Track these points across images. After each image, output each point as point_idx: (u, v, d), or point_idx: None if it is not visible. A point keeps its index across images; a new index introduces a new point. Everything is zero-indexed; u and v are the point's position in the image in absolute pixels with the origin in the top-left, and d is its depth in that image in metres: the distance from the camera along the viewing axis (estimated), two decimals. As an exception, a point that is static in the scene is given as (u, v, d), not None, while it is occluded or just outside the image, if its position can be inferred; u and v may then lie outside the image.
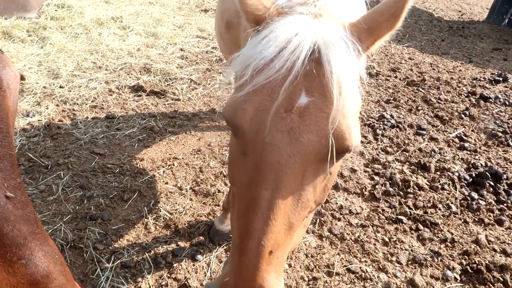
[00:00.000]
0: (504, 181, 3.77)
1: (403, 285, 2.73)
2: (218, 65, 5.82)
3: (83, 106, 4.34)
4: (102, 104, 4.43)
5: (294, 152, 1.08)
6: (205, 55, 6.12)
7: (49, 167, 3.39)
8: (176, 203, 3.24)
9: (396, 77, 6.09)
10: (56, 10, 6.58)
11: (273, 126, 1.07)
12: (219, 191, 3.42)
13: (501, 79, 6.21)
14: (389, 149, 4.17)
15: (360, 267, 2.84)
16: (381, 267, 2.86)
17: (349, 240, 3.06)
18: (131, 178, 3.43)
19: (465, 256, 3.00)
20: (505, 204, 3.52)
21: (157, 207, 3.17)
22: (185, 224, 3.05)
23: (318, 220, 3.23)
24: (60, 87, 4.58)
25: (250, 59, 1.15)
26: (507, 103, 5.44)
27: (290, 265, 2.84)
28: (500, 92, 5.82)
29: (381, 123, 4.63)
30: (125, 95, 4.69)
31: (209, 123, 4.44)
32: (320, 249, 2.99)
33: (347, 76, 1.11)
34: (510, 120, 4.98)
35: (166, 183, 3.45)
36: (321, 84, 1.09)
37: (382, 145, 4.25)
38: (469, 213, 3.41)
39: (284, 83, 1.08)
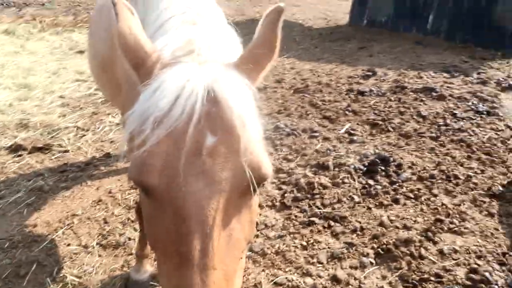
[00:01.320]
0: (392, 164, 4.18)
1: (328, 283, 2.84)
2: (105, 106, 5.54)
3: (-50, 181, 3.76)
4: (-25, 174, 3.90)
5: (213, 193, 1.05)
6: (88, 98, 5.79)
7: None
8: (83, 264, 2.96)
9: (282, 87, 6.45)
10: None
11: (186, 173, 1.04)
12: (129, 239, 3.21)
13: (371, 73, 6.95)
14: (290, 157, 4.37)
15: (286, 277, 2.88)
16: (304, 271, 2.94)
17: (270, 254, 3.10)
18: (26, 249, 3.05)
19: (375, 240, 3.24)
20: (397, 184, 3.90)
21: (61, 274, 2.85)
22: (97, 284, 2.80)
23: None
24: None
25: (146, 113, 1.10)
26: (380, 93, 6.09)
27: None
28: (372, 85, 6.49)
29: (277, 133, 4.83)
30: (2, 158, 4.20)
31: (105, 169, 4.18)
32: (244, 271, 2.97)
33: (245, 108, 1.14)
34: (386, 108, 5.58)
35: (68, 244, 3.13)
36: (223, 122, 1.10)
37: (282, 154, 4.43)
38: (370, 199, 3.70)
39: (188, 128, 1.06)
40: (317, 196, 3.71)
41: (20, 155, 4.25)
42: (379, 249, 3.14)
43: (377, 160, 4.16)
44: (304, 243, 3.20)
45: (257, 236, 3.26)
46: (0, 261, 2.93)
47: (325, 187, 3.82)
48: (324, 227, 3.37)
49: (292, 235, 3.28)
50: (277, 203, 3.65)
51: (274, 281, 2.86)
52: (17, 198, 3.60)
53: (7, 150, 4.32)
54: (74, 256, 3.03)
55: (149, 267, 2.88)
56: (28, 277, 2.82)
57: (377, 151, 4.44)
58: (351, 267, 2.99)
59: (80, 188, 3.82)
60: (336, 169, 4.10)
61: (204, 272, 1.01)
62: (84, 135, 4.77)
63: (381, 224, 3.38)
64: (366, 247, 3.18)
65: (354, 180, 3.94)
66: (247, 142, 1.11)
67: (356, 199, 3.67)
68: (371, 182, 3.90)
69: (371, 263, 3.03)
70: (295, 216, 3.49)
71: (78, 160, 4.27)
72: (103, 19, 2.71)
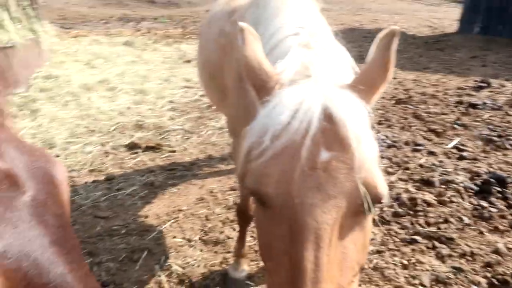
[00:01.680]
0: (510, 185, 3.76)
1: (432, 307, 2.65)
2: (208, 111, 5.90)
3: (81, 172, 4.33)
4: (100, 167, 4.43)
5: (328, 208, 1.07)
6: (194, 103, 6.22)
7: (53, 239, 3.32)
8: (187, 256, 3.17)
9: (383, 97, 6.21)
10: (44, 82, 6.72)
11: (302, 185, 1.07)
12: (228, 237, 3.36)
13: (485, 84, 6.36)
14: (390, 170, 4.18)
15: (384, 295, 2.75)
16: (405, 291, 2.77)
17: (367, 268, 2.99)
18: (139, 237, 3.37)
19: (488, 268, 2.93)
20: (515, 208, 3.49)
21: (168, 263, 3.10)
22: (199, 276, 2.97)
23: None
24: (57, 156, 4.59)
25: (266, 127, 1.18)
26: (495, 107, 5.53)
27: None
28: (486, 97, 5.93)
29: (378, 145, 4.66)
30: (121, 154, 4.71)
31: (208, 170, 4.44)
32: (340, 282, 2.91)
33: (360, 126, 1.16)
34: (503, 123, 5.04)
35: (174, 237, 3.39)
36: (337, 139, 1.13)
37: (382, 166, 4.26)
38: (483, 222, 3.37)
39: (304, 142, 1.10)
40: (421, 213, 3.48)
41: (136, 153, 4.73)
42: (493, 279, 2.83)
43: (492, 179, 3.77)
44: (405, 262, 3.02)
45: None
46: (117, 245, 3.28)
47: (429, 204, 3.58)
48: (427, 247, 3.15)
49: (391, 252, 3.13)
50: (376, 217, 3.51)
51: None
52: (132, 191, 4.01)
53: (125, 147, 4.84)
54: (179, 248, 3.26)
55: (246, 266, 2.98)
56: (140, 262, 3.10)
57: (491, 170, 4.02)
58: (458, 294, 2.74)
59: (186, 186, 4.11)
60: (443, 186, 3.82)
61: (316, 285, 1.01)
62: (189, 137, 5.14)
63: (496, 251, 3.05)
64: (477, 274, 2.89)
65: (463, 200, 3.62)
66: (362, 160, 1.11)
67: (466, 220, 3.37)
68: (484, 203, 3.55)
69: (483, 292, 2.75)
70: (396, 232, 3.32)
71: (184, 160, 4.60)
72: (212, 30, 2.90)
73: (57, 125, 5.26)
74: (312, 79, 1.31)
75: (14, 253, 0.80)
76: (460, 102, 5.77)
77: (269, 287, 1.21)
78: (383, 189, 1.15)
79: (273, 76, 1.30)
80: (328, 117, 1.14)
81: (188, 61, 8.44)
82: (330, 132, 1.13)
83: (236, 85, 2.15)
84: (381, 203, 1.17)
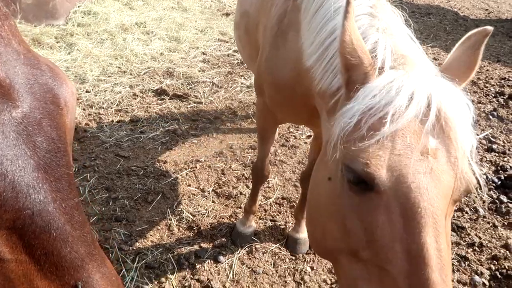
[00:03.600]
0: (535, 183, 3.63)
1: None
2: (240, 68, 5.86)
3: (108, 110, 4.45)
4: (127, 108, 4.53)
5: (440, 194, 1.07)
6: (226, 58, 6.17)
7: (76, 170, 3.49)
8: (198, 205, 3.28)
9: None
10: (82, 17, 6.78)
11: (416, 170, 1.07)
12: (241, 193, 3.44)
13: (531, 78, 5.99)
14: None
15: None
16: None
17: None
18: (155, 180, 3.49)
19: (494, 261, 2.91)
20: (535, 207, 3.40)
21: (180, 209, 3.21)
22: (207, 226, 3.08)
23: (340, 223, 3.19)
24: (87, 91, 4.71)
25: (379, 108, 1.13)
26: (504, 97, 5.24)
27: (312, 268, 2.83)
28: (530, 92, 5.61)
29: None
30: (148, 98, 4.78)
31: (230, 125, 4.47)
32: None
33: (466, 119, 1.17)
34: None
35: (189, 185, 3.49)
36: (444, 128, 1.14)
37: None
38: (498, 216, 3.30)
39: (420, 128, 1.11)
40: (436, 198, 3.44)
41: (162, 99, 4.80)
42: (496, 272, 2.81)
43: (479, 161, 3.65)
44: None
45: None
46: (134, 185, 3.41)
47: (447, 191, 3.52)
48: (436, 232, 3.13)
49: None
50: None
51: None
52: (155, 135, 4.10)
53: (153, 92, 4.91)
54: (192, 196, 3.36)
55: (254, 223, 3.06)
56: (153, 204, 3.24)
57: (519, 166, 3.89)
58: (458, 282, 2.75)
59: (206, 138, 4.18)
60: (464, 175, 3.72)
61: (443, 272, 0.98)
62: (217, 91, 5.15)
63: (506, 246, 3.01)
64: (481, 265, 2.88)
65: (482, 191, 3.53)
66: (466, 152, 1.13)
67: (482, 212, 3.31)
68: (503, 198, 3.46)
69: (484, 284, 2.74)
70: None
71: (209, 113, 4.64)
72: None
73: (91, 62, 5.36)
74: (411, 65, 1.27)
75: None
76: (500, 93, 5.49)
77: (357, 279, 1.16)
78: (474, 182, 1.16)
79: (369, 58, 1.25)
80: (438, 106, 1.14)
81: (227, 14, 8.28)
82: (439, 120, 1.14)
83: (273, 37, 2.11)
84: (470, 192, 1.19)
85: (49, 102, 0.87)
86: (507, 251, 2.97)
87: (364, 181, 1.09)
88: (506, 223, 3.24)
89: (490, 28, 1.28)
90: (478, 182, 1.15)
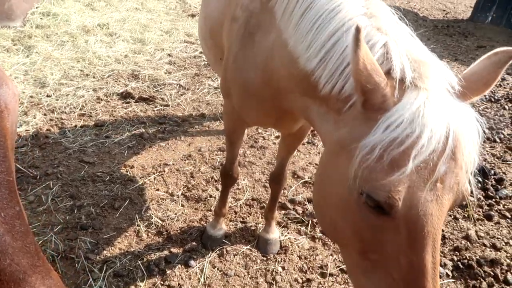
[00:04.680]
0: (492, 177, 3.82)
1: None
2: (207, 69, 5.82)
3: (71, 115, 4.30)
4: (91, 112, 4.40)
5: (442, 216, 1.18)
6: (193, 60, 6.12)
7: (38, 178, 3.35)
8: (167, 210, 3.23)
9: (383, 77, 6.15)
10: (41, 19, 6.52)
11: (425, 199, 1.15)
12: (210, 196, 3.42)
13: (486, 76, 6.31)
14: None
15: (353, 267, 2.85)
16: (373, 266, 2.87)
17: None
18: (122, 186, 3.41)
19: (456, 252, 3.03)
20: (493, 199, 3.57)
21: (148, 214, 3.16)
22: (177, 230, 3.04)
23: (310, 221, 3.24)
24: (47, 96, 4.54)
25: (401, 141, 1.14)
26: (492, 99, 5.52)
27: (283, 268, 2.85)
28: (485, 89, 5.90)
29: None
30: (113, 102, 4.67)
31: (198, 128, 4.44)
32: (313, 251, 3.00)
33: (475, 143, 1.21)
34: (496, 116, 5.06)
35: (157, 189, 3.43)
36: (453, 154, 1.17)
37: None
38: (459, 209, 3.45)
39: (437, 161, 1.14)
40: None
41: (128, 102, 4.70)
42: (459, 263, 2.94)
43: (476, 170, 3.82)
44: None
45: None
46: (100, 192, 3.32)
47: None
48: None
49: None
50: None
51: (341, 267, 2.85)
52: (121, 140, 4.01)
53: (118, 96, 4.80)
54: (161, 201, 3.31)
55: (224, 225, 3.05)
56: (121, 210, 3.16)
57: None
58: (424, 274, 2.85)
59: (174, 141, 4.12)
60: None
61: (435, 281, 1.17)
62: (184, 94, 5.09)
63: (467, 237, 3.15)
64: (445, 257, 2.99)
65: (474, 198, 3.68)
66: (468, 171, 1.20)
67: (443, 206, 3.45)
68: (463, 191, 3.62)
69: (447, 275, 2.86)
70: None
71: (176, 115, 4.58)
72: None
73: (51, 65, 5.17)
74: (429, 77, 1.26)
75: None
76: (458, 90, 5.74)
77: (375, 282, 1.28)
78: (469, 191, 1.26)
79: (385, 79, 1.23)
80: (455, 137, 1.17)
81: (192, 15, 8.21)
82: (451, 149, 1.16)
83: (239, 39, 2.09)
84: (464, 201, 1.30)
85: None
86: (468, 242, 3.11)
87: (382, 207, 1.18)
88: (466, 215, 3.39)
89: None
90: (471, 191, 1.24)
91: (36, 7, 6.80)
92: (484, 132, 1.23)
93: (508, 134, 4.60)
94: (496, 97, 5.58)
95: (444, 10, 11.71)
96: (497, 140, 4.51)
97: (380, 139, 1.17)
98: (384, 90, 1.22)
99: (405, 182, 1.14)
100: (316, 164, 4.09)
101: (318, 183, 1.49)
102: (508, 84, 6.03)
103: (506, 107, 5.31)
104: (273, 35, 1.84)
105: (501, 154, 4.27)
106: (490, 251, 3.06)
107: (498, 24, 10.19)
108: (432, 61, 1.32)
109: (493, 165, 4.04)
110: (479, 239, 3.15)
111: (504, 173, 3.93)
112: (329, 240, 3.08)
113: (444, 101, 1.20)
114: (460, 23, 10.25)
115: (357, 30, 1.16)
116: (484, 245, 3.11)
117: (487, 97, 5.55)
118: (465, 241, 3.13)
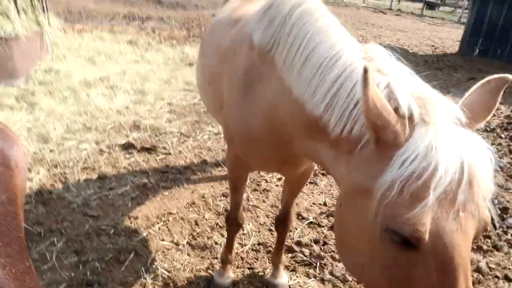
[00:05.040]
0: (496, 206, 3.81)
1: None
2: (206, 116, 5.94)
3: (74, 169, 4.35)
4: (93, 165, 4.45)
5: (468, 245, 1.18)
6: (192, 107, 6.26)
7: (42, 234, 3.34)
8: (173, 260, 3.19)
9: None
10: (44, 75, 6.74)
11: (450, 229, 1.16)
12: (216, 243, 3.39)
13: (480, 106, 6.43)
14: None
15: (366, 310, 2.78)
16: (386, 307, 2.80)
17: (351, 281, 3.03)
18: (126, 238, 3.39)
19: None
20: (501, 230, 3.55)
21: (154, 266, 3.12)
22: (184, 281, 3.00)
23: (318, 263, 3.20)
24: (50, 151, 4.61)
25: (420, 174, 1.17)
26: (488, 129, 5.60)
27: (294, 315, 2.78)
28: (480, 119, 6.00)
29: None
30: (115, 153, 4.73)
31: (201, 174, 4.47)
32: (323, 295, 2.94)
33: (490, 171, 1.22)
34: (494, 145, 5.11)
35: (162, 239, 3.41)
36: (470, 182, 1.19)
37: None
38: (467, 243, 3.41)
39: (457, 191, 1.16)
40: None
41: (130, 153, 4.76)
42: None
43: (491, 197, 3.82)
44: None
45: (339, 260, 3.21)
46: (104, 245, 3.30)
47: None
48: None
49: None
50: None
51: (352, 311, 2.79)
52: (124, 191, 4.03)
53: (120, 147, 4.87)
54: (166, 251, 3.28)
55: (232, 273, 3.01)
56: (126, 263, 3.12)
57: (480, 191, 4.08)
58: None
59: (178, 190, 4.14)
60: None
61: None
62: (185, 141, 5.17)
63: (478, 270, 3.10)
64: None
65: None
66: (486, 198, 1.20)
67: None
68: (470, 224, 3.60)
69: None
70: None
71: (178, 163, 4.63)
72: (215, 36, 2.93)
73: (54, 120, 5.28)
74: (435, 111, 1.29)
75: None
76: (454, 122, 5.84)
77: None
78: (490, 218, 1.25)
79: (395, 116, 1.28)
80: (470, 166, 1.19)
81: (190, 64, 8.48)
82: (468, 178, 1.19)
83: (240, 89, 2.15)
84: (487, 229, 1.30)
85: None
86: (480, 275, 3.04)
87: (408, 241, 1.17)
88: (475, 247, 3.34)
89: (510, 76, 1.34)
90: (492, 218, 1.24)
91: (39, 65, 7.04)
92: (495, 158, 1.25)
93: (507, 163, 4.64)
94: (491, 127, 5.67)
95: (432, 45, 12.10)
96: (497, 169, 4.54)
97: (398, 175, 1.19)
98: (394, 127, 1.25)
99: (429, 214, 1.15)
100: (320, 204, 4.09)
101: (338, 225, 1.49)
102: (502, 113, 6.14)
103: (502, 135, 5.38)
104: (275, 83, 1.89)
105: (503, 183, 4.28)
106: (503, 282, 3.00)
107: (485, 55, 10.51)
108: (435, 96, 1.36)
109: (496, 194, 4.03)
110: (490, 271, 3.10)
111: (508, 201, 3.93)
112: (339, 281, 3.02)
113: (454, 132, 1.23)
114: (449, 57, 10.57)
115: (365, 70, 1.21)
116: (497, 277, 3.05)
117: (483, 127, 5.64)
118: (477, 273, 3.07)
